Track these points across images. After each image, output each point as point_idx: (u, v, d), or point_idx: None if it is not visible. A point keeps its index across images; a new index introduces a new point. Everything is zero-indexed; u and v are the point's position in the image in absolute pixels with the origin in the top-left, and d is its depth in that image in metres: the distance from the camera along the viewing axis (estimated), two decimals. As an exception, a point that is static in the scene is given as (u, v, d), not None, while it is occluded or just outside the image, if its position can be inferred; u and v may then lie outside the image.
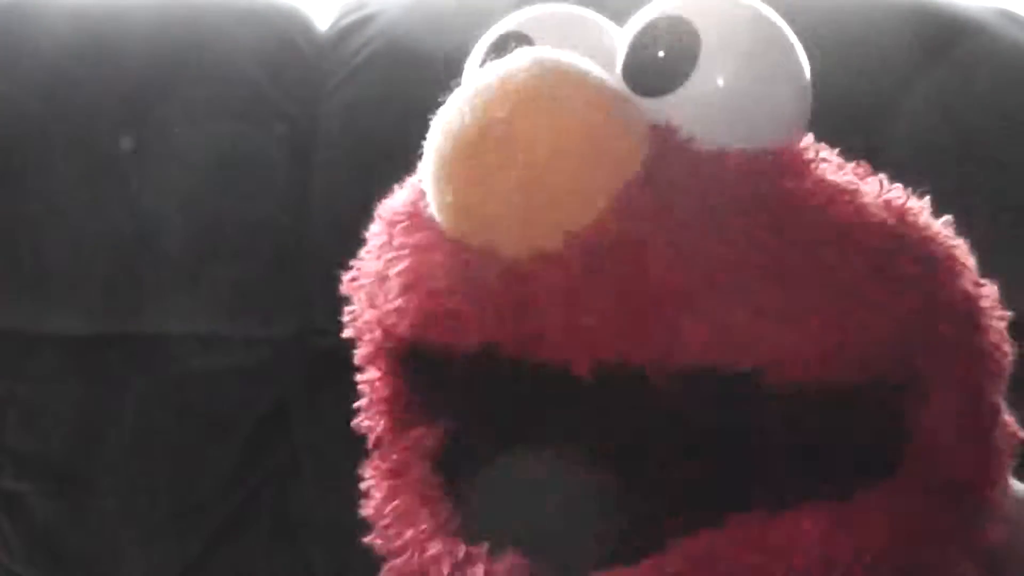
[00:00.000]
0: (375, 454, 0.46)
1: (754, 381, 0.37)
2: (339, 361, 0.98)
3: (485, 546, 0.40)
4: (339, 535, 0.98)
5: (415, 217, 0.42)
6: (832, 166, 0.42)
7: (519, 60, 0.40)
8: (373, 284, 0.45)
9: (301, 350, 0.98)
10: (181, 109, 0.97)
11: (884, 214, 0.40)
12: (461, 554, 0.41)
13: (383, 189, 0.96)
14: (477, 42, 0.47)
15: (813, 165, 0.41)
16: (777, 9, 1.08)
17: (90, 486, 0.95)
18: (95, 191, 0.96)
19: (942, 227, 0.42)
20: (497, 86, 0.38)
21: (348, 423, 0.97)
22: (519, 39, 0.44)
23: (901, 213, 0.41)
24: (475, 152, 0.38)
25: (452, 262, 0.39)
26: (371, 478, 0.47)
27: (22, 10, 1.00)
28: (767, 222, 0.38)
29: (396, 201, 0.46)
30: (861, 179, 0.43)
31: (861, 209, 0.39)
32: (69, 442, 0.96)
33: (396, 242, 0.43)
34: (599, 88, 0.39)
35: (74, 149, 0.96)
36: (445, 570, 0.41)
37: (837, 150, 0.44)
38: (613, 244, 0.37)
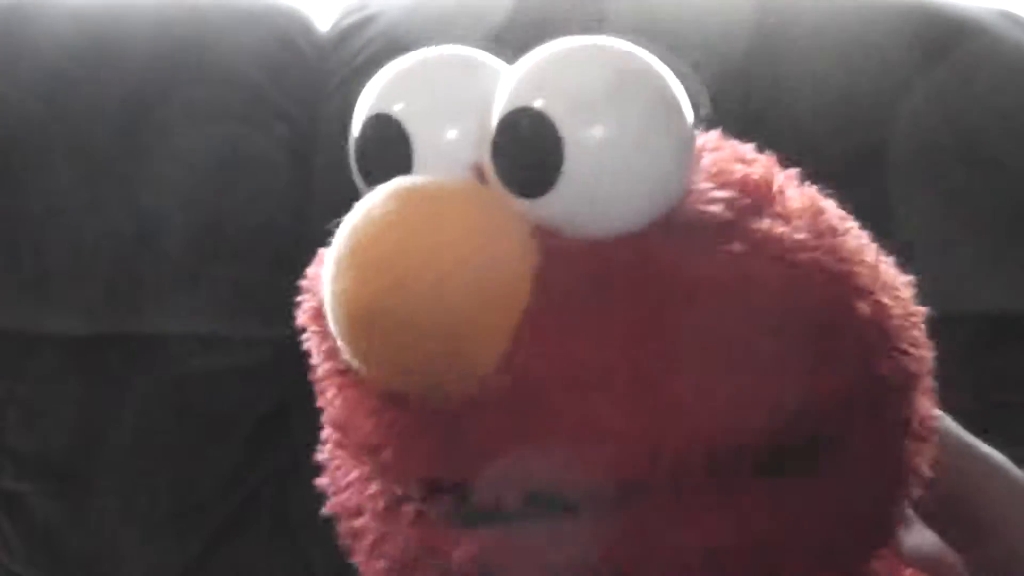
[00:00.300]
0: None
1: (663, 476, 0.38)
2: (339, 361, 0.99)
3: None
4: (339, 535, 0.98)
5: (333, 343, 0.41)
6: (720, 205, 0.40)
7: (388, 205, 0.39)
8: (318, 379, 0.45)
9: (301, 350, 0.97)
10: (181, 110, 0.97)
11: (771, 274, 0.38)
12: (398, 492, 0.42)
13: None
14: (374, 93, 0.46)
15: (699, 229, 0.39)
16: (778, 10, 1.09)
17: (90, 486, 0.96)
18: (95, 191, 0.96)
19: (833, 247, 0.40)
20: (374, 245, 0.38)
21: (348, 423, 0.97)
22: (390, 126, 0.42)
23: (789, 260, 0.39)
24: (367, 324, 0.38)
25: (376, 415, 0.40)
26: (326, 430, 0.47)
27: (22, 11, 1.00)
28: (655, 319, 0.37)
29: (315, 294, 0.46)
30: (758, 198, 0.41)
31: (750, 278, 0.38)
32: (69, 442, 0.96)
33: (323, 354, 0.44)
34: (480, 222, 0.38)
35: (74, 149, 0.96)
36: (381, 505, 0.43)
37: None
38: (518, 388, 0.37)
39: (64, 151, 0.96)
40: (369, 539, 0.45)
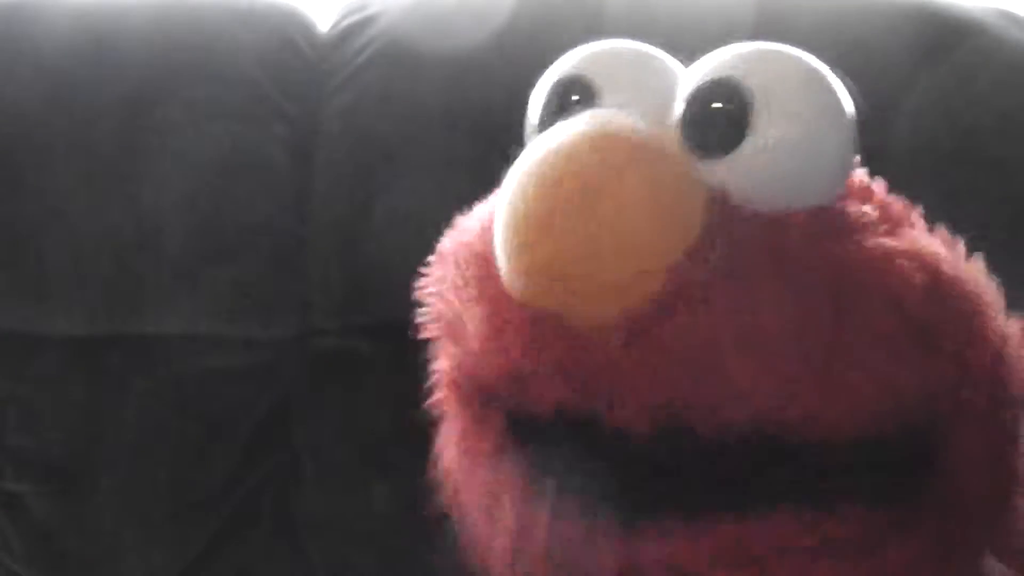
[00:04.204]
0: (444, 420, 0.48)
1: (794, 435, 0.40)
2: (339, 361, 0.99)
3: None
4: (339, 535, 0.98)
5: (488, 269, 0.44)
6: (871, 214, 0.44)
7: (582, 131, 0.41)
8: (453, 322, 0.46)
9: (301, 350, 0.98)
10: (181, 110, 0.97)
11: (919, 275, 0.42)
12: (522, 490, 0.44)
13: (383, 189, 0.96)
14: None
15: (855, 222, 0.43)
16: (778, 10, 1.09)
17: (90, 486, 0.96)
18: (95, 191, 0.96)
19: (971, 273, 0.45)
20: (562, 162, 0.40)
21: (348, 423, 0.97)
22: (581, 86, 0.46)
23: (935, 269, 0.43)
24: (543, 229, 0.40)
25: (524, 329, 0.42)
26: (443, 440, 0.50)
27: (22, 10, 1.00)
28: (812, 291, 0.40)
29: (463, 238, 0.48)
30: (898, 217, 0.46)
31: (899, 273, 0.41)
32: (69, 442, 0.96)
33: (470, 292, 0.45)
34: (659, 159, 0.41)
35: (74, 149, 0.96)
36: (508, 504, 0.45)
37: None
38: (667, 318, 0.39)
39: (64, 151, 0.96)
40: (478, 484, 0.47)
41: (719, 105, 0.42)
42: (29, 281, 0.96)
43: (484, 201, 0.50)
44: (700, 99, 0.43)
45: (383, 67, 0.98)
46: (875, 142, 0.95)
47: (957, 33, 0.99)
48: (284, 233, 0.97)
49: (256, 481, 0.97)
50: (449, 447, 0.49)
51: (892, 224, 0.45)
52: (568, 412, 0.41)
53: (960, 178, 0.96)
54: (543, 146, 0.42)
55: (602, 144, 0.41)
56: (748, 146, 0.42)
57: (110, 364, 0.96)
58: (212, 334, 0.97)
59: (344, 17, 1.03)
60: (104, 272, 0.96)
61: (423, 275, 0.49)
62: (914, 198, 0.94)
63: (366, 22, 1.01)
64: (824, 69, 0.45)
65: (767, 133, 0.42)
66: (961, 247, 0.47)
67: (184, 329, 0.97)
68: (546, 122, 0.46)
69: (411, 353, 0.98)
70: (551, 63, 0.97)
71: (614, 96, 0.45)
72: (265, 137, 0.98)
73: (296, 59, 1.01)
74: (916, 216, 0.47)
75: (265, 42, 1.00)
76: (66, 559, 0.96)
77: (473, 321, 0.44)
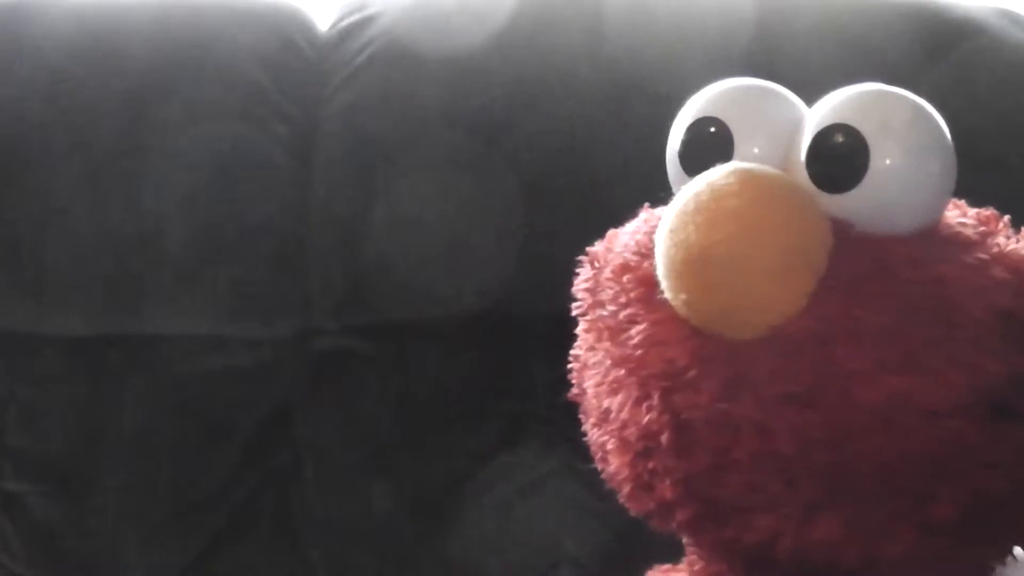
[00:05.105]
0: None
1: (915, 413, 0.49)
2: (339, 361, 0.99)
3: None
4: (339, 535, 0.98)
5: (651, 291, 0.53)
6: (968, 229, 0.53)
7: (730, 180, 0.50)
8: (614, 327, 0.55)
9: (301, 350, 0.98)
10: (182, 109, 0.97)
11: (1009, 277, 0.51)
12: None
13: (383, 189, 0.96)
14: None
15: (954, 239, 0.52)
16: (778, 9, 1.09)
17: (90, 486, 0.95)
18: (95, 191, 0.96)
19: None
20: (715, 208, 0.50)
21: (348, 423, 0.97)
22: (716, 126, 0.55)
23: (1021, 269, 0.52)
24: (701, 265, 0.50)
25: (688, 340, 0.51)
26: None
27: (22, 10, 1.00)
28: (913, 299, 0.49)
29: (622, 257, 0.56)
30: (989, 225, 0.55)
31: (991, 277, 0.50)
32: (69, 442, 0.96)
33: (636, 309, 0.54)
34: (796, 199, 0.51)
35: (74, 149, 0.96)
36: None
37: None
38: (808, 339, 0.49)
39: (64, 151, 0.96)
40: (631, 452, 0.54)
41: (840, 148, 0.51)
42: (29, 281, 0.96)
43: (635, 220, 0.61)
44: (823, 143, 0.52)
45: (383, 67, 0.98)
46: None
47: (957, 33, 0.99)
48: (284, 233, 0.97)
49: (256, 481, 0.97)
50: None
51: (984, 234, 0.53)
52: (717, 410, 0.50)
53: (960, 178, 0.95)
54: (699, 188, 0.51)
55: (750, 187, 0.50)
56: (866, 183, 0.51)
57: (110, 364, 0.96)
58: (212, 334, 0.97)
59: (344, 17, 1.03)
60: (104, 272, 0.96)
61: (577, 274, 0.60)
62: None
63: (366, 22, 1.01)
64: (927, 106, 0.54)
65: (882, 171, 0.51)
66: None
67: (184, 329, 0.97)
68: (688, 161, 0.56)
69: (411, 353, 0.98)
70: (551, 63, 0.98)
71: (747, 137, 0.55)
72: (265, 137, 0.98)
73: (296, 59, 1.01)
74: (1005, 221, 0.55)
75: (265, 42, 1.00)
76: (66, 559, 0.96)
77: (638, 330, 0.53)
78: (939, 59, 0.97)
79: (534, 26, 0.98)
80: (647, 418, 0.52)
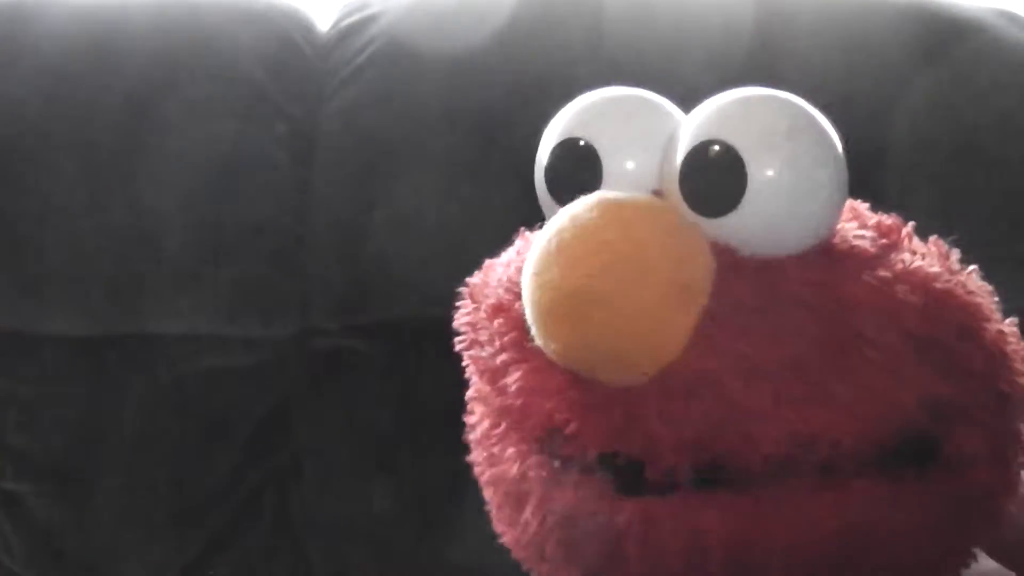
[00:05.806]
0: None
1: (815, 455, 0.44)
2: (339, 361, 0.99)
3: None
4: (339, 535, 0.98)
5: (523, 335, 0.48)
6: (866, 242, 0.48)
7: (593, 214, 0.46)
8: (493, 370, 0.50)
9: (301, 350, 0.98)
10: (181, 109, 0.97)
11: (913, 297, 0.46)
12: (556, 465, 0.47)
13: (383, 189, 0.96)
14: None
15: (849, 254, 0.47)
16: (778, 10, 1.09)
17: (90, 486, 0.96)
18: (95, 191, 0.96)
19: (964, 284, 0.47)
20: (579, 245, 0.45)
21: (348, 423, 0.97)
22: (583, 145, 0.50)
23: (927, 288, 0.46)
24: (569, 309, 0.45)
25: (564, 389, 0.46)
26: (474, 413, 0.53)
27: (22, 10, 1.00)
28: (809, 325, 0.44)
29: (496, 295, 0.52)
30: (890, 236, 0.49)
31: (893, 298, 0.45)
32: (69, 442, 0.96)
33: (505, 343, 0.49)
34: (672, 227, 0.46)
35: (74, 148, 0.96)
36: (544, 473, 0.48)
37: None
38: (695, 376, 0.44)
39: (64, 150, 0.96)
40: (532, 502, 0.49)
41: (713, 168, 0.46)
42: (29, 280, 0.96)
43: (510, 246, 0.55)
44: (694, 164, 0.47)
45: (383, 67, 0.98)
46: (875, 142, 0.96)
47: (957, 33, 0.99)
48: (284, 233, 0.97)
49: (256, 481, 0.97)
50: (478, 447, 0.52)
51: (884, 247, 0.48)
52: (609, 457, 0.46)
53: (960, 178, 0.96)
54: (561, 223, 0.46)
55: (616, 219, 0.46)
56: (746, 202, 0.45)
57: (110, 364, 0.96)
58: (212, 334, 0.97)
59: (344, 17, 1.03)
60: (104, 272, 0.96)
61: (456, 308, 0.54)
62: (914, 198, 0.95)
63: (366, 22, 1.01)
64: (809, 109, 0.47)
65: (762, 187, 0.45)
66: (955, 257, 0.49)
67: (184, 329, 0.97)
68: (555, 186, 0.51)
69: (411, 353, 0.98)
70: (551, 63, 0.98)
71: (618, 156, 0.49)
72: (265, 137, 0.98)
73: (296, 59, 1.01)
74: (908, 230, 0.49)
75: (265, 42, 1.00)
76: (66, 559, 0.96)
77: (513, 378, 0.48)
78: (939, 59, 0.97)
79: (534, 26, 0.98)
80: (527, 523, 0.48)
